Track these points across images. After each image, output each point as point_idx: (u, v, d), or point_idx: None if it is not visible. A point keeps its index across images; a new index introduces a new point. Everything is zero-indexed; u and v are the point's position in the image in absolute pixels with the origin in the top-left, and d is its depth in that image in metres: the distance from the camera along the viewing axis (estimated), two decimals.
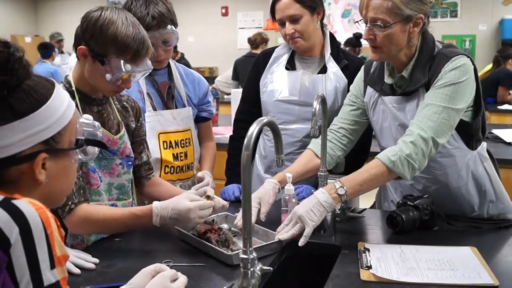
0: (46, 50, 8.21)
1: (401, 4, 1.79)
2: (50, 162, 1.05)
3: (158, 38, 2.13)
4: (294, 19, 2.28)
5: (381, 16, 1.81)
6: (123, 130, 1.86)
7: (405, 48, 1.88)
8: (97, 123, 1.22)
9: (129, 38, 1.67)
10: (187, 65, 6.87)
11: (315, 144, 2.09)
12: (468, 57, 1.85)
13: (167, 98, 2.34)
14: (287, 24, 2.30)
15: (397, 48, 1.87)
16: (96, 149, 1.23)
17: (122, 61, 1.68)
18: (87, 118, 1.20)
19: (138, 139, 1.99)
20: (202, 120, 2.52)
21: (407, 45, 1.87)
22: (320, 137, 1.92)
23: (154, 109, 2.28)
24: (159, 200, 1.77)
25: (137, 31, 1.69)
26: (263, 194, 1.90)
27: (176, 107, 2.35)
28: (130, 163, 1.87)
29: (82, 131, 1.14)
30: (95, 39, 1.67)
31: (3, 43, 1.01)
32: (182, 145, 2.33)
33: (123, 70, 1.68)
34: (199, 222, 1.73)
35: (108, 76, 1.69)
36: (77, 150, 1.13)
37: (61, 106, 1.07)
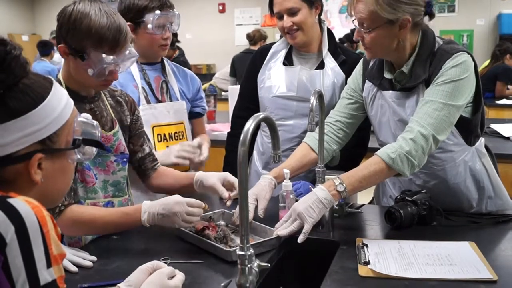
0: (45, 48, 8.17)
1: (380, 10, 1.78)
2: (47, 162, 1.04)
3: (169, 18, 2.24)
4: (292, 12, 2.28)
5: (364, 20, 1.82)
6: (117, 127, 1.85)
7: (398, 48, 1.87)
8: (95, 122, 1.20)
9: (103, 29, 1.62)
10: (185, 63, 6.87)
11: (310, 138, 2.08)
12: (468, 53, 1.85)
13: (161, 92, 2.37)
14: (285, 17, 2.30)
15: (386, 50, 1.88)
16: (94, 149, 1.21)
17: (101, 53, 1.63)
18: (85, 117, 1.17)
19: (136, 132, 1.97)
20: (195, 116, 2.55)
21: (398, 45, 1.86)
22: (317, 131, 1.91)
23: (148, 102, 2.31)
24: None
25: (112, 20, 1.64)
26: (259, 190, 1.90)
27: (171, 101, 2.39)
28: (125, 160, 1.86)
29: (80, 131, 1.13)
30: (71, 35, 1.64)
31: (0, 41, 1.00)
32: (176, 138, 2.37)
33: (104, 62, 1.64)
34: (186, 219, 1.67)
35: (90, 71, 1.65)
36: (75, 150, 1.11)
37: (59, 105, 1.06)
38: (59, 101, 1.07)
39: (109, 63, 1.65)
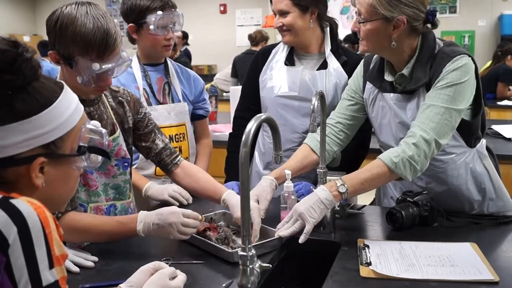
0: (46, 48, 8.18)
1: (378, 5, 1.78)
2: (49, 167, 1.03)
3: (172, 18, 2.24)
4: (282, 13, 2.31)
5: (362, 10, 1.83)
6: (118, 132, 1.79)
7: (395, 49, 1.86)
8: (104, 131, 1.17)
9: (89, 35, 1.53)
10: (186, 63, 6.89)
11: (311, 139, 2.09)
12: (469, 56, 1.84)
13: (164, 94, 2.37)
14: (277, 16, 2.34)
15: (379, 47, 1.88)
16: (100, 157, 1.18)
17: (89, 60, 1.55)
18: (94, 125, 1.15)
19: (146, 130, 1.92)
20: (198, 118, 2.54)
21: (392, 45, 1.85)
22: (318, 132, 1.91)
23: (149, 104, 2.30)
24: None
25: (99, 25, 1.55)
26: (260, 191, 1.90)
27: (173, 102, 2.38)
28: (126, 164, 1.82)
29: (87, 138, 1.11)
30: (59, 42, 1.57)
31: (12, 43, 0.99)
32: (177, 140, 2.36)
33: (93, 69, 1.56)
34: (181, 230, 1.63)
35: (79, 78, 1.58)
36: (82, 157, 1.10)
37: (67, 110, 1.05)
38: (68, 106, 1.06)
39: (98, 70, 1.57)
